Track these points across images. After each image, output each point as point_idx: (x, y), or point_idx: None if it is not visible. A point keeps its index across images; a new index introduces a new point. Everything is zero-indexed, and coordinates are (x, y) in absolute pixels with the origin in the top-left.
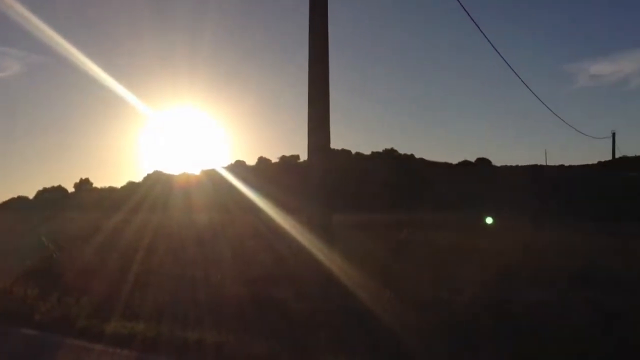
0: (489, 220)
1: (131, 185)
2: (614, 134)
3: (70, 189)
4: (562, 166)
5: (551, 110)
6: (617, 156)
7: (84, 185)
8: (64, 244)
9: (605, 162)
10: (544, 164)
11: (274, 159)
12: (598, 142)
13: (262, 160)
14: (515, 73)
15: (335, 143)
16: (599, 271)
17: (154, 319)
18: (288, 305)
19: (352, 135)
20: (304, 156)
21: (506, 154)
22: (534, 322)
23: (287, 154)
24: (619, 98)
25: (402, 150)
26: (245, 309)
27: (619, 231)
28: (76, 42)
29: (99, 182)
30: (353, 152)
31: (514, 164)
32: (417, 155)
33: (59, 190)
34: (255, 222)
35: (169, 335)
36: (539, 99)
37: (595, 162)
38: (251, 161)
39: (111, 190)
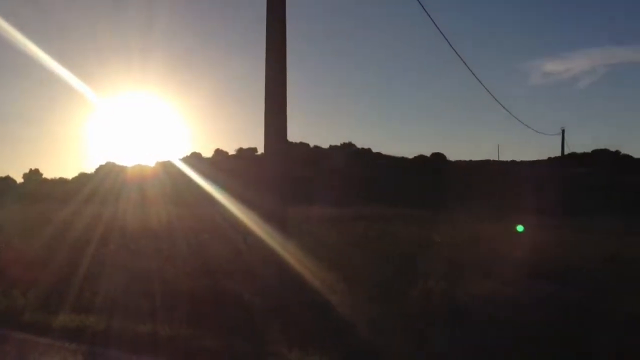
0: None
1: (83, 177)
2: (563, 131)
3: (19, 179)
4: (513, 161)
5: (503, 107)
6: (566, 152)
7: (33, 175)
8: (10, 235)
9: (555, 157)
10: (497, 159)
11: (231, 151)
12: (548, 139)
13: (218, 153)
14: (470, 70)
15: (294, 136)
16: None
17: (105, 312)
18: (243, 298)
19: (310, 128)
20: (261, 149)
21: (460, 149)
22: (489, 313)
23: (245, 146)
24: (570, 96)
25: (360, 144)
26: (200, 302)
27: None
28: (21, 25)
29: (49, 173)
30: (311, 145)
31: (467, 159)
32: (374, 150)
33: (7, 180)
34: (211, 215)
35: (120, 328)
36: (492, 95)
37: (545, 157)
38: (208, 153)
39: (62, 181)
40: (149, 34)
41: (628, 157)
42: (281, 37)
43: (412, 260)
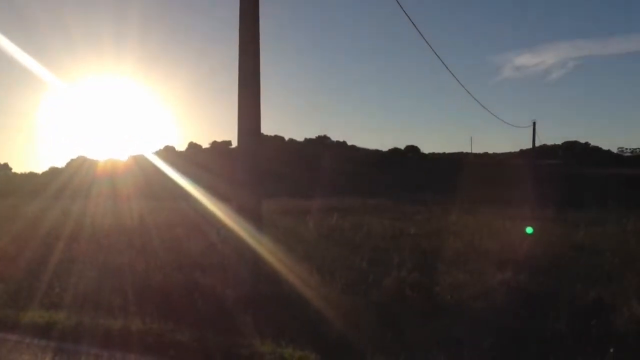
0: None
1: (53, 171)
2: (534, 123)
3: None
4: (486, 153)
5: (476, 100)
6: (537, 144)
7: (2, 170)
8: None
9: (527, 149)
10: (470, 151)
11: (205, 144)
12: (520, 130)
13: (192, 146)
14: (444, 64)
15: (268, 129)
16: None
17: (76, 308)
18: (216, 291)
19: (285, 121)
20: (235, 142)
21: (434, 141)
22: (459, 302)
23: (219, 139)
24: (541, 88)
25: (335, 137)
26: (172, 296)
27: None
28: None
29: (19, 168)
30: (286, 138)
31: (441, 151)
32: (349, 142)
33: None
34: (185, 209)
35: (91, 324)
36: (464, 88)
37: (517, 149)
38: (181, 147)
39: (32, 175)
40: (123, 27)
41: (597, 149)
42: (254, 32)
43: (386, 251)
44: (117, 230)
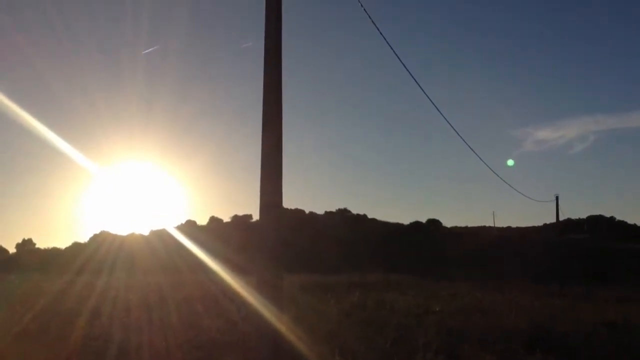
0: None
1: (76, 246)
2: (557, 198)
3: (12, 249)
4: (509, 227)
5: (498, 175)
6: (561, 218)
7: (26, 245)
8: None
9: (550, 223)
10: (492, 225)
11: (226, 218)
12: (543, 204)
13: (213, 220)
14: (463, 139)
15: (289, 202)
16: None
17: None
18: None
19: (305, 195)
20: (256, 216)
21: (455, 215)
22: None
23: (240, 213)
24: (563, 162)
25: (355, 210)
26: None
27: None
28: (17, 97)
29: (42, 243)
30: (307, 211)
31: (463, 225)
32: (370, 216)
33: None
34: (205, 284)
35: None
36: (485, 164)
37: (541, 223)
38: (202, 221)
39: (55, 251)
40: (145, 105)
41: (623, 223)
42: (277, 109)
43: (411, 330)
44: (137, 306)
